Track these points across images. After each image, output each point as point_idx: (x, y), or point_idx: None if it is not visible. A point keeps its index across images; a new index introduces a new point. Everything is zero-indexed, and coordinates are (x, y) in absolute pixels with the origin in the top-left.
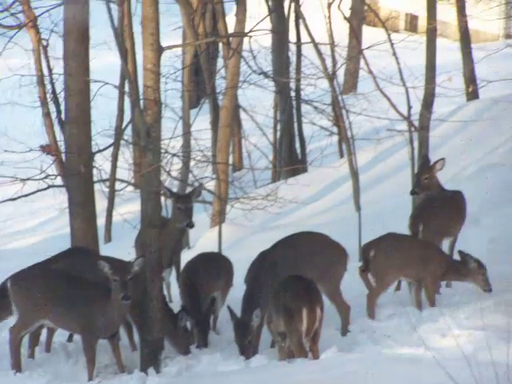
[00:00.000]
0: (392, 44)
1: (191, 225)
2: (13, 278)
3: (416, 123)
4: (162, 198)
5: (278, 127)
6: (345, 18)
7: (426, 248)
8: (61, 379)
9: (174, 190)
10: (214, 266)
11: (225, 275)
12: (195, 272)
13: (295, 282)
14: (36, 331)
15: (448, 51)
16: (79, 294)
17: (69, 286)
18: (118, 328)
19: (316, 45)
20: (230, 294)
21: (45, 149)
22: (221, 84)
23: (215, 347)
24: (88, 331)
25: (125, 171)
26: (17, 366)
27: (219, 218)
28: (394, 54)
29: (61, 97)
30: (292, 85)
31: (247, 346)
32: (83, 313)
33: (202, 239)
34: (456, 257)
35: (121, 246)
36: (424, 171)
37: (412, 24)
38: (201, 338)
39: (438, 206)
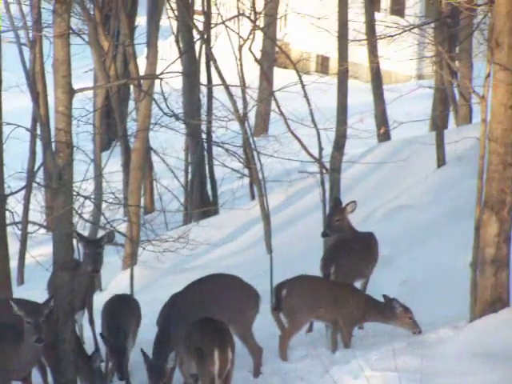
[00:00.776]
0: (303, 86)
1: (96, 270)
2: None
3: (327, 165)
4: (74, 241)
5: (190, 169)
6: (256, 59)
7: (341, 289)
8: None
9: (86, 233)
10: (130, 305)
11: (136, 316)
12: (115, 310)
13: (206, 324)
14: None
15: (360, 92)
16: None
17: None
18: (30, 370)
19: (227, 87)
20: (139, 336)
21: None
22: (132, 126)
23: None
24: (3, 374)
25: (37, 213)
26: None
27: (131, 260)
28: (305, 95)
29: None
30: (203, 127)
31: None
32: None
33: (113, 281)
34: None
35: (34, 288)
36: (335, 213)
37: (323, 65)
38: (118, 368)
39: (349, 248)
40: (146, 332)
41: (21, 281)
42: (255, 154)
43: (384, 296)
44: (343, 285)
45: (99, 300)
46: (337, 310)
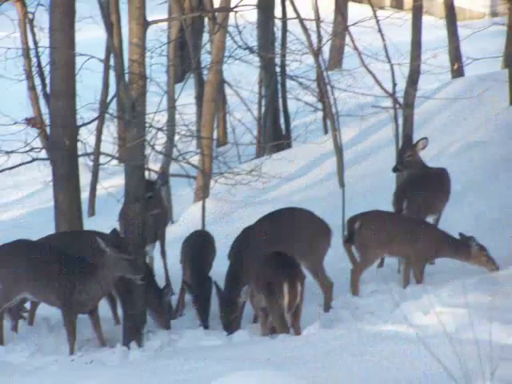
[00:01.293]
0: (377, 20)
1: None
2: None
3: (401, 100)
4: (146, 173)
5: (263, 103)
6: None
7: (414, 225)
8: (43, 352)
9: (158, 165)
10: (210, 243)
11: (214, 253)
12: (198, 249)
13: (276, 258)
14: (19, 304)
15: (434, 28)
16: (61, 268)
17: (50, 259)
18: (97, 303)
19: (302, 20)
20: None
21: (29, 122)
22: (206, 59)
23: (198, 321)
24: (68, 306)
25: (109, 145)
26: None
27: (203, 192)
28: (380, 30)
29: (46, 70)
30: (277, 60)
31: (232, 322)
32: (64, 287)
33: (185, 214)
34: None
35: (104, 220)
36: (406, 149)
37: (398, 1)
38: (202, 317)
39: (421, 183)
40: (218, 265)
41: (92, 212)
42: (329, 88)
43: (460, 234)
44: (416, 220)
45: (171, 232)
46: (409, 245)
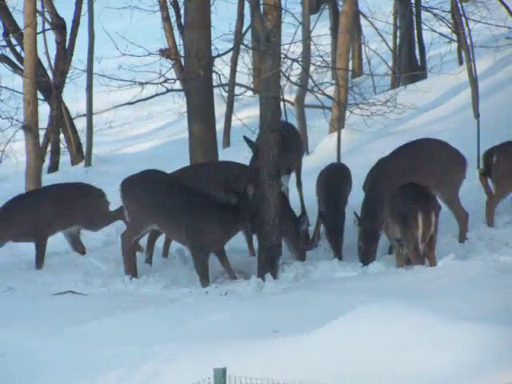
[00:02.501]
0: None
1: None
2: (124, 181)
3: None
4: (281, 103)
5: (398, 34)
6: None
7: None
8: (177, 284)
9: (293, 96)
10: (346, 176)
11: (350, 186)
12: (333, 182)
13: (411, 189)
14: (153, 237)
15: None
16: (191, 206)
17: (181, 194)
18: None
19: None
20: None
21: (164, 53)
22: None
23: (332, 253)
24: (198, 247)
25: (244, 76)
26: (131, 272)
27: (338, 123)
28: None
29: (180, 1)
30: None
31: (369, 253)
32: (193, 226)
33: (320, 144)
34: None
35: (239, 151)
36: None
37: None
38: (335, 248)
39: None
40: (353, 196)
41: (227, 143)
42: (463, 19)
43: None
44: None
45: (306, 163)
46: None
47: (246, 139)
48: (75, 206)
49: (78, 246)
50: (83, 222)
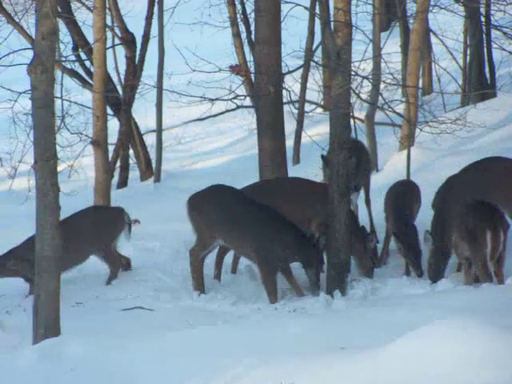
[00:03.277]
0: None
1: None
2: (190, 197)
3: None
4: (351, 121)
5: (468, 52)
6: None
7: None
8: (245, 300)
9: (363, 113)
10: (415, 192)
11: (419, 204)
12: (403, 198)
13: (479, 207)
14: (222, 253)
15: None
16: (259, 221)
17: (249, 209)
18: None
19: None
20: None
21: (234, 69)
22: (412, 7)
23: (401, 270)
24: (265, 263)
25: (314, 93)
26: (199, 287)
27: (408, 141)
28: None
29: (251, 17)
30: (482, 10)
31: (439, 271)
32: (260, 241)
33: (390, 162)
34: None
35: (309, 168)
36: None
37: None
38: (415, 264)
39: None
40: (422, 214)
41: (296, 160)
42: None
43: None
44: None
45: (375, 180)
46: None
47: (324, 157)
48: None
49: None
50: None
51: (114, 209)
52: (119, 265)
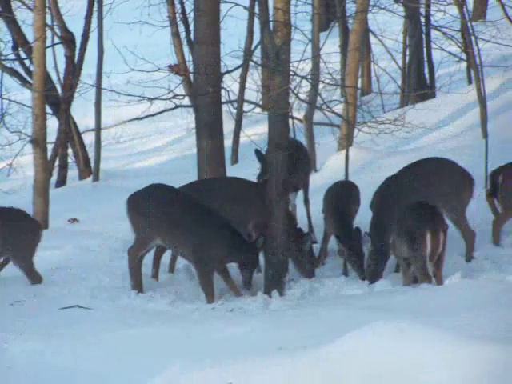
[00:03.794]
0: None
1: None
2: (130, 197)
3: None
4: (290, 121)
5: (407, 52)
6: None
7: None
8: (183, 300)
9: (302, 113)
10: (354, 193)
11: (358, 204)
12: (344, 200)
13: (419, 208)
14: (159, 252)
15: None
16: (197, 221)
17: (187, 209)
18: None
19: None
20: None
21: (173, 68)
22: (351, 7)
23: (339, 270)
24: (202, 263)
25: (253, 93)
26: (137, 286)
27: (346, 141)
28: None
29: (190, 17)
30: (422, 10)
31: (378, 272)
32: (197, 242)
33: (328, 162)
34: None
35: (247, 167)
36: None
37: None
38: (358, 267)
39: None
40: (360, 214)
41: (235, 160)
42: (473, 38)
43: None
44: None
45: (314, 180)
46: None
47: (257, 152)
48: None
49: None
50: None
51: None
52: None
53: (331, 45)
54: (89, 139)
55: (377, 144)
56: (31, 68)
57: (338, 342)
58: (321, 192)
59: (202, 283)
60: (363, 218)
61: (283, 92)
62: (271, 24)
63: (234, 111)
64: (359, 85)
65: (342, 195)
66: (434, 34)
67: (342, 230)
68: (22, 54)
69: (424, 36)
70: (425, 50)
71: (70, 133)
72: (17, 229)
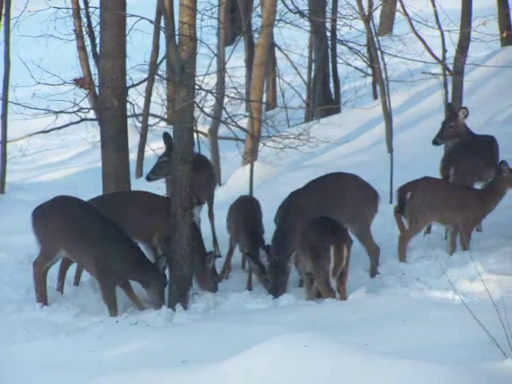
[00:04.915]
0: None
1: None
2: (36, 209)
3: (450, 67)
4: (195, 135)
5: (313, 67)
6: None
7: (463, 192)
8: (88, 313)
9: (207, 127)
10: (258, 208)
11: (260, 218)
12: (253, 216)
13: (323, 223)
14: (65, 265)
15: None
16: (101, 234)
17: (91, 222)
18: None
19: None
20: None
21: (78, 82)
22: (257, 22)
23: (243, 284)
24: (104, 275)
25: (158, 106)
26: (43, 299)
27: (251, 155)
28: None
29: (96, 30)
30: (328, 25)
31: (279, 286)
32: (100, 255)
33: (233, 176)
34: None
35: (152, 182)
36: (449, 120)
37: None
38: (270, 284)
39: (469, 151)
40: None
41: (139, 173)
42: (379, 53)
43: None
44: (466, 187)
45: (219, 194)
46: (459, 213)
47: (165, 134)
48: None
49: None
50: None
51: None
52: None
53: (237, 59)
54: None
55: (281, 158)
56: None
57: (242, 356)
58: (225, 206)
59: (105, 296)
60: (267, 232)
61: (188, 106)
62: (177, 38)
63: (139, 125)
64: (264, 99)
65: (250, 211)
66: (339, 48)
67: (254, 247)
68: None
69: (330, 50)
70: (330, 64)
71: None
72: None
